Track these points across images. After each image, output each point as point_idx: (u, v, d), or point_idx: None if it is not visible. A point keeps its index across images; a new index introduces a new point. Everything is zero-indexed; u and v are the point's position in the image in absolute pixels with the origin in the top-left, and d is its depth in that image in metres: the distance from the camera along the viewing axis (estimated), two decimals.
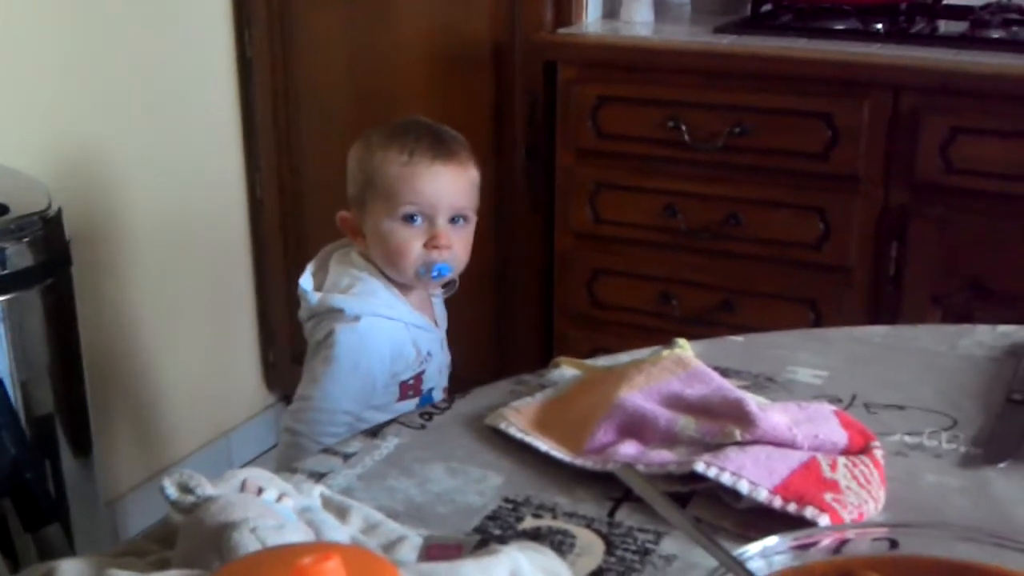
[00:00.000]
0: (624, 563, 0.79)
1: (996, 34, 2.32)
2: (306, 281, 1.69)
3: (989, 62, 2.10)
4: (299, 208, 2.80)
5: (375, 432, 0.95)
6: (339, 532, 0.75)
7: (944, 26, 2.41)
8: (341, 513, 0.79)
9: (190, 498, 0.69)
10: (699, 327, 2.27)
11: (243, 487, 0.72)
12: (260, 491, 0.75)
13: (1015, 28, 2.35)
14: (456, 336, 2.73)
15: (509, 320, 2.57)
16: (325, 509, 0.79)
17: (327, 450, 0.92)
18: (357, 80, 2.65)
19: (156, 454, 2.66)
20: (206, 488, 0.69)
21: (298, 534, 0.69)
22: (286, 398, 3.00)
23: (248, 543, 0.63)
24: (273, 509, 0.72)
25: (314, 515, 0.77)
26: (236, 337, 2.89)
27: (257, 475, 0.76)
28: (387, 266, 1.68)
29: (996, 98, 2.07)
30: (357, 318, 1.63)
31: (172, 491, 0.71)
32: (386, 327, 1.66)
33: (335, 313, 1.64)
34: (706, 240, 2.30)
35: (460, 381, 2.26)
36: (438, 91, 2.58)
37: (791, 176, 2.21)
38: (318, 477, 0.88)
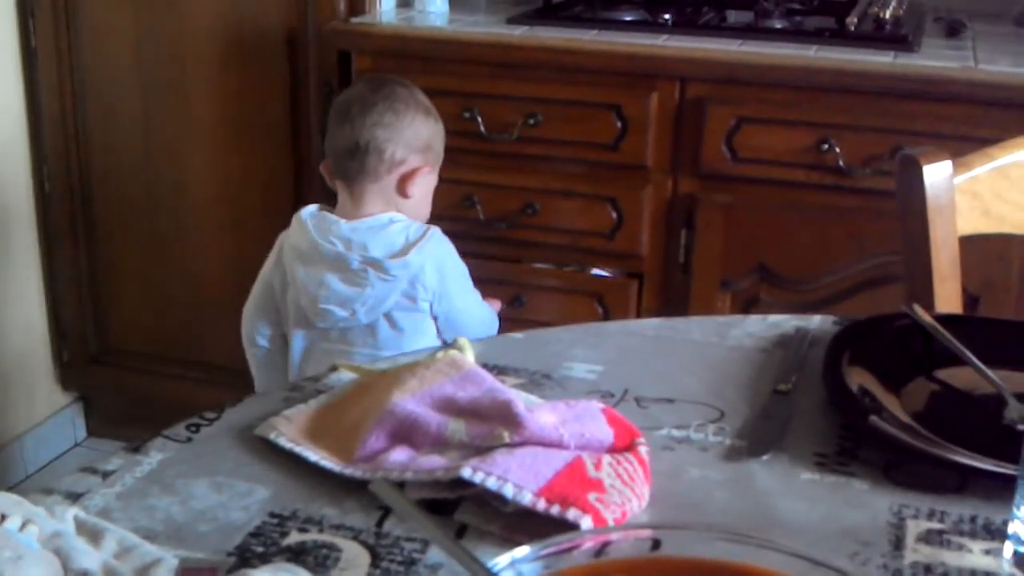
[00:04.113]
0: (389, 575, 0.78)
1: (779, 24, 2.39)
2: (407, 263, 1.87)
3: (772, 52, 2.17)
4: (89, 202, 2.72)
5: (137, 448, 0.92)
6: (90, 558, 0.73)
7: (733, 16, 2.48)
8: (94, 537, 0.76)
9: None
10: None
11: None
12: (3, 518, 0.72)
13: (797, 18, 2.43)
14: None
15: None
16: (79, 533, 0.76)
17: (85, 468, 0.89)
18: (145, 69, 2.58)
19: None
20: None
21: (38, 566, 0.66)
22: (82, 398, 2.92)
23: None
24: (13, 538, 0.69)
25: (64, 541, 0.74)
26: (26, 337, 2.78)
27: (0, 501, 0.73)
28: (425, 217, 1.99)
29: (778, 88, 2.14)
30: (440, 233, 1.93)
31: None
32: None
33: (431, 253, 1.88)
34: (503, 230, 2.31)
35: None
36: (231, 80, 2.53)
37: (584, 166, 2.25)
38: (75, 498, 0.85)
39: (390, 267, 1.86)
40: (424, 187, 1.97)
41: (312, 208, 1.95)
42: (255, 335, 2.06)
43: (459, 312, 1.95)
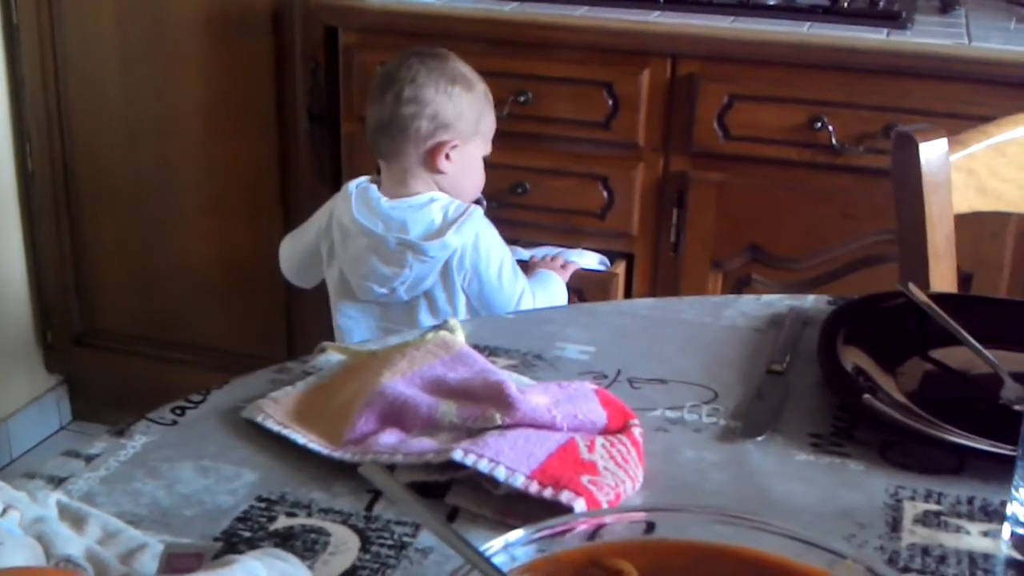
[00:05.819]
0: (379, 559, 0.77)
1: (772, 0, 2.36)
2: (444, 243, 1.86)
3: (764, 29, 2.15)
4: (73, 181, 2.69)
5: (121, 431, 0.90)
6: (73, 544, 0.71)
7: None
8: (78, 522, 0.75)
9: None
10: None
11: None
12: None
13: None
14: (247, 310, 2.67)
15: (299, 292, 2.52)
16: (61, 518, 0.75)
17: (68, 452, 0.87)
18: (128, 46, 2.55)
19: None
20: None
21: (19, 551, 0.64)
22: (67, 381, 2.89)
23: None
24: None
25: (46, 526, 0.72)
26: (10, 319, 2.76)
27: None
28: (470, 191, 1.99)
29: (771, 65, 2.12)
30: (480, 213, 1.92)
31: None
32: None
33: (468, 233, 1.88)
34: (494, 209, 2.29)
35: (247, 359, 2.21)
36: (215, 56, 2.50)
37: (575, 144, 2.23)
38: (57, 482, 0.83)
39: (427, 249, 1.86)
40: (460, 161, 1.94)
41: (360, 180, 1.95)
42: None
43: (493, 291, 1.92)
